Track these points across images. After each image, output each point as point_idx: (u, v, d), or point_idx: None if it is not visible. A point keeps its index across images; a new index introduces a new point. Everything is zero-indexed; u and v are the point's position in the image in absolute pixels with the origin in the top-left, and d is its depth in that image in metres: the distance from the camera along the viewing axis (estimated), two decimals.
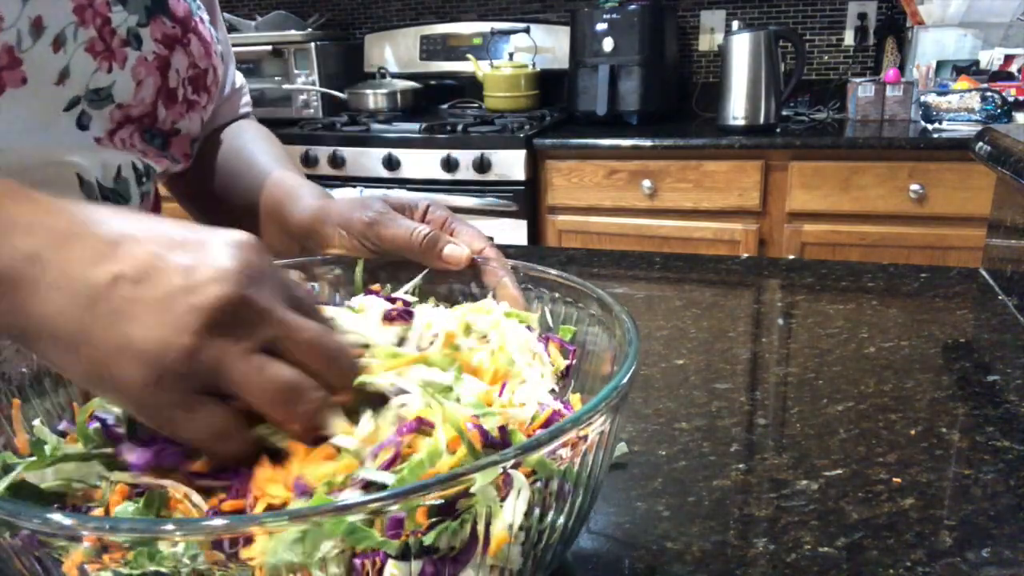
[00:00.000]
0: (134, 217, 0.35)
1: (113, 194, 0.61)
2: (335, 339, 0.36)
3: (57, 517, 0.27)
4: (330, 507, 0.28)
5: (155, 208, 0.71)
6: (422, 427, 0.35)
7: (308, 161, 2.44)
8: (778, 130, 2.20)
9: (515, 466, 0.31)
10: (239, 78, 0.81)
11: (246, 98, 0.82)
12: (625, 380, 0.36)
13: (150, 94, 0.60)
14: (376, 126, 2.46)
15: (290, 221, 0.61)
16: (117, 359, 0.31)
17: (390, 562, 0.30)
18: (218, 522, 0.27)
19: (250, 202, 0.67)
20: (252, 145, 0.74)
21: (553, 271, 0.51)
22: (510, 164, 2.26)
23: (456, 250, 0.53)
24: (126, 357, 0.31)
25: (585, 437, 0.34)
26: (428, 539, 0.30)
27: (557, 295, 0.51)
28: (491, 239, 0.56)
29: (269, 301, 0.34)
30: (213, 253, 0.33)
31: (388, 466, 0.33)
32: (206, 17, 0.67)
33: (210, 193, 0.73)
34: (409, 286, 0.53)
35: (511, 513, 0.31)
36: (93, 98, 0.57)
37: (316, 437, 0.35)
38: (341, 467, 0.33)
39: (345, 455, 0.34)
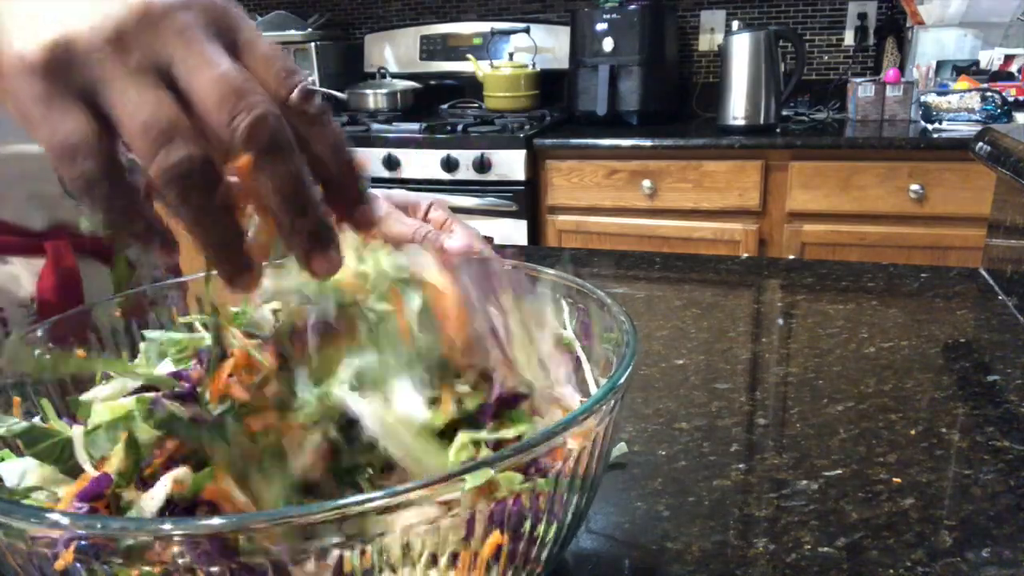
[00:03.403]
0: None
1: None
2: (249, 85, 0.29)
3: (54, 516, 0.27)
4: (328, 507, 0.28)
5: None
6: None
7: None
8: (778, 130, 2.20)
9: (503, 469, 0.30)
10: None
11: None
12: (622, 380, 0.36)
13: None
14: (376, 126, 2.46)
15: None
16: (10, 39, 0.28)
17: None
18: (217, 521, 0.27)
19: None
20: None
21: (552, 271, 0.51)
22: (510, 164, 2.26)
23: (455, 250, 0.53)
24: (15, 28, 0.28)
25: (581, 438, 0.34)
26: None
27: (557, 295, 0.51)
28: (491, 239, 0.56)
29: (191, 25, 0.29)
30: None
31: None
32: None
33: None
34: None
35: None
36: None
37: None
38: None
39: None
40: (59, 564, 0.28)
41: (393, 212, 0.54)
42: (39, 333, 0.44)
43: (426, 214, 0.56)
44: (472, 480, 0.29)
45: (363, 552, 0.29)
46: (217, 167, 0.29)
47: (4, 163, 0.56)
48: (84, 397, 0.39)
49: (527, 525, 0.33)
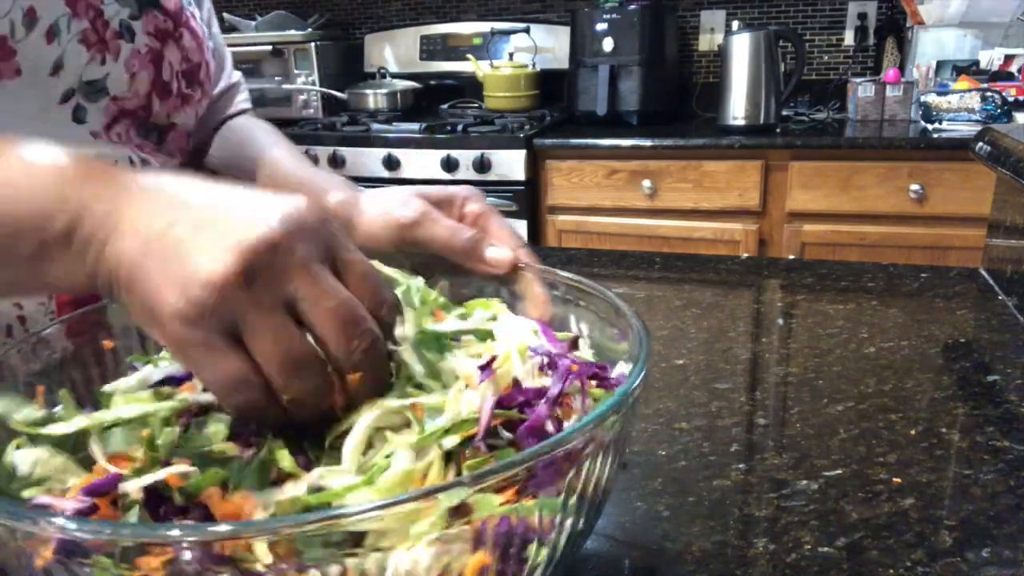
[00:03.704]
0: (199, 179, 0.37)
1: None
2: (361, 313, 0.35)
3: (60, 521, 0.27)
4: (328, 513, 0.28)
5: None
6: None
7: None
8: (778, 130, 2.20)
9: (483, 489, 0.29)
10: (236, 75, 0.81)
11: (244, 95, 0.82)
12: (635, 385, 0.35)
13: (144, 87, 0.61)
14: (376, 126, 2.46)
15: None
16: (160, 292, 0.33)
17: None
18: (223, 528, 0.27)
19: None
20: (265, 139, 0.73)
21: (566, 273, 0.51)
22: (510, 164, 2.26)
23: (498, 253, 0.51)
24: (166, 290, 0.32)
25: (581, 452, 0.32)
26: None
27: (570, 298, 0.50)
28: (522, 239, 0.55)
29: (307, 258, 0.34)
30: (266, 209, 0.34)
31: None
32: (197, 13, 0.68)
33: None
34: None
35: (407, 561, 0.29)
36: (88, 90, 0.57)
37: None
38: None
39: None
40: (39, 563, 0.28)
41: (430, 212, 0.53)
42: (53, 330, 0.44)
43: (461, 209, 0.55)
44: (446, 499, 0.28)
45: (344, 571, 0.29)
46: (331, 385, 0.35)
47: None
48: (107, 388, 0.39)
49: (516, 546, 0.32)
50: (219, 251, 0.32)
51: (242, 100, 0.81)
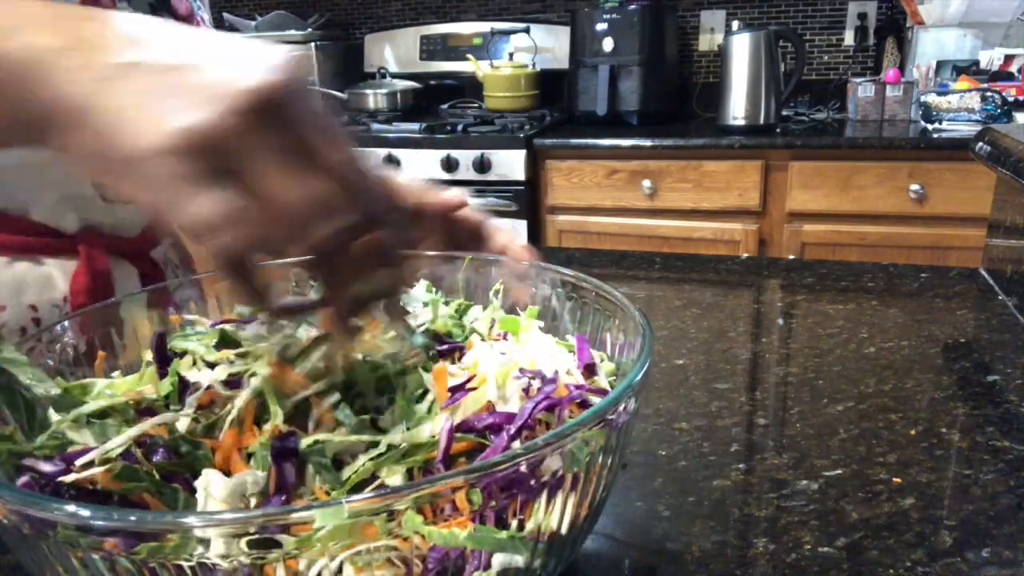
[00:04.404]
0: (173, 23, 0.33)
1: None
2: (372, 165, 0.33)
3: (71, 508, 0.27)
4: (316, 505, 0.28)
5: None
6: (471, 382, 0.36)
7: None
8: (778, 130, 2.20)
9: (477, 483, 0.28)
10: None
11: None
12: (637, 380, 0.34)
13: None
14: (376, 126, 2.46)
15: None
16: (134, 122, 0.29)
17: None
18: (240, 514, 0.27)
19: None
20: None
21: (570, 271, 0.51)
22: (510, 164, 2.26)
23: (450, 193, 0.57)
24: (145, 119, 0.29)
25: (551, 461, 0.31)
26: None
27: (576, 297, 0.50)
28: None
29: (314, 107, 0.31)
30: (264, 52, 0.31)
31: None
32: (207, 17, 0.68)
33: None
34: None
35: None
36: None
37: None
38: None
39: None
40: None
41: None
42: (63, 328, 0.45)
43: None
44: (323, 519, 0.26)
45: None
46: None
47: (36, 166, 0.57)
48: (176, 342, 0.40)
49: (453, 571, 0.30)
50: (220, 91, 0.29)
51: None
